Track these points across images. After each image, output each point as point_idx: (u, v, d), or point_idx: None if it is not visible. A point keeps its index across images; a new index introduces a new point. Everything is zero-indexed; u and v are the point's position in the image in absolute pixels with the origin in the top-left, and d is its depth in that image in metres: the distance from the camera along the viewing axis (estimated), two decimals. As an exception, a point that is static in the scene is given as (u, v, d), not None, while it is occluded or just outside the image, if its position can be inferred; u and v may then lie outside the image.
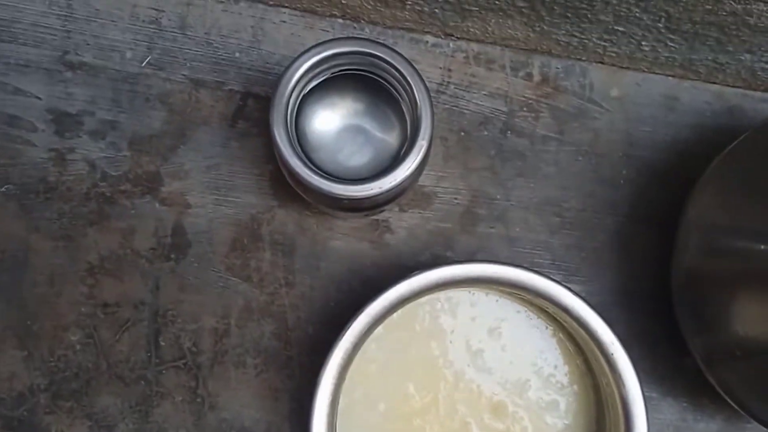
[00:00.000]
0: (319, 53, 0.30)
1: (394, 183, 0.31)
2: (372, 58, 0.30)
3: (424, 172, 0.40)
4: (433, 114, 0.31)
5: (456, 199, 0.41)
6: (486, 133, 0.41)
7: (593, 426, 0.36)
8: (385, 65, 0.31)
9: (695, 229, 0.35)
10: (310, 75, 0.32)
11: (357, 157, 0.36)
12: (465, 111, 0.41)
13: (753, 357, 0.34)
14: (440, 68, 0.41)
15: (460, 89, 0.41)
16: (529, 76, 0.41)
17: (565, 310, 0.34)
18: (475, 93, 0.41)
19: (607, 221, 0.41)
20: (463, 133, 0.41)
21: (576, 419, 0.36)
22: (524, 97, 0.41)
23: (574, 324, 0.34)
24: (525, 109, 0.41)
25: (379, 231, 0.40)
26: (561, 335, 0.36)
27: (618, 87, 0.42)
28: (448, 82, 0.41)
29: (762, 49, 0.36)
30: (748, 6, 0.32)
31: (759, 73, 0.40)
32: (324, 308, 0.40)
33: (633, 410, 0.34)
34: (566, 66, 0.41)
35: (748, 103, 0.42)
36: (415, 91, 0.31)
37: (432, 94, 0.41)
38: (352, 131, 0.37)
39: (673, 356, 0.41)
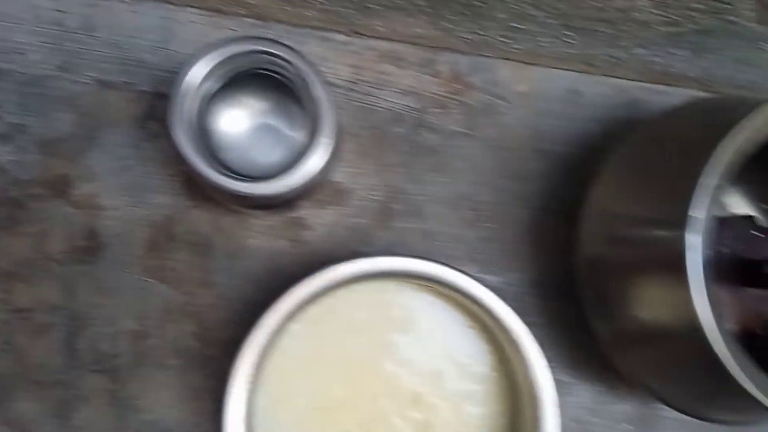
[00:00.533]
0: (213, 53, 0.31)
1: (297, 180, 0.32)
2: (270, 57, 0.31)
3: (340, 168, 0.41)
4: (334, 111, 0.32)
5: (372, 195, 0.41)
6: (399, 129, 0.42)
7: (511, 412, 0.38)
8: (284, 63, 0.31)
9: (595, 219, 0.37)
10: (212, 75, 0.32)
11: (269, 156, 0.37)
12: (377, 108, 0.42)
13: (653, 340, 0.35)
14: (350, 66, 0.42)
15: (372, 87, 0.42)
16: (437, 73, 0.42)
17: (473, 299, 0.35)
18: (386, 90, 0.42)
19: (520, 214, 0.43)
20: (376, 130, 0.42)
21: (494, 406, 0.37)
22: (434, 93, 0.42)
23: (483, 313, 0.35)
24: (435, 105, 0.42)
25: (296, 229, 0.41)
26: (475, 325, 0.37)
27: (524, 82, 0.43)
28: (359, 80, 0.42)
29: (652, 43, 0.38)
30: (633, 2, 0.33)
31: (653, 66, 0.42)
32: (243, 307, 0.40)
33: (543, 395, 0.35)
34: (473, 63, 0.43)
35: (648, 96, 0.44)
36: (312, 88, 0.31)
37: (343, 92, 0.42)
38: (262, 130, 0.38)
39: (587, 342, 0.42)
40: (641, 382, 0.37)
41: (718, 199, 0.29)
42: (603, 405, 0.42)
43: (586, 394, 0.42)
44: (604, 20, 0.36)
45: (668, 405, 0.38)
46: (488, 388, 0.37)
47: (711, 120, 0.31)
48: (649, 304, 0.33)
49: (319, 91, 0.31)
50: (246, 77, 0.35)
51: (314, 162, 0.32)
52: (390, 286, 0.37)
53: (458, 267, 0.35)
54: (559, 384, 0.42)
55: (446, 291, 0.36)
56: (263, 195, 0.32)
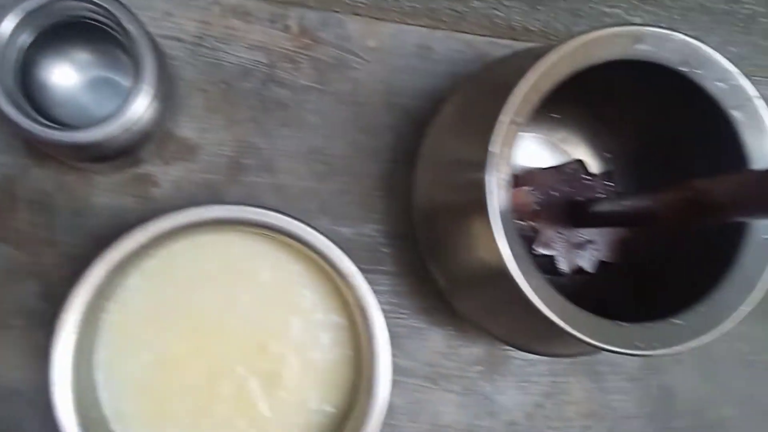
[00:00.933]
0: (23, 4, 0.30)
1: (118, 128, 0.31)
2: (83, 3, 0.31)
3: (187, 124, 0.41)
4: (154, 57, 0.32)
5: (221, 150, 0.42)
6: (248, 84, 0.42)
7: (355, 356, 0.38)
8: (98, 9, 0.31)
9: (425, 165, 0.38)
10: (26, 27, 0.31)
11: (107, 108, 0.36)
12: (225, 63, 0.42)
13: (478, 283, 0.37)
14: (197, 22, 0.41)
15: (219, 42, 0.42)
16: (287, 28, 0.43)
17: (308, 245, 0.36)
18: (234, 45, 0.42)
19: (372, 167, 0.44)
20: (224, 85, 0.42)
21: (340, 352, 0.38)
22: (284, 48, 0.43)
23: (320, 260, 0.36)
24: (285, 60, 0.43)
25: (143, 185, 0.40)
26: (316, 273, 0.38)
27: (374, 38, 0.44)
28: (206, 35, 0.41)
29: (486, -5, 0.39)
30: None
31: (496, 20, 0.43)
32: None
33: (377, 334, 0.36)
34: (323, 17, 0.43)
35: (495, 50, 0.45)
36: (129, 34, 0.31)
37: (190, 47, 0.41)
38: (98, 83, 0.37)
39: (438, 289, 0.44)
40: (478, 324, 0.39)
41: (514, 135, 0.31)
42: (455, 349, 0.44)
43: (439, 339, 0.44)
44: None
45: (506, 344, 0.40)
46: (333, 335, 0.38)
47: (522, 65, 0.32)
48: (470, 247, 0.35)
49: (136, 37, 0.31)
50: (74, 30, 0.34)
51: (136, 109, 0.32)
52: (232, 239, 0.37)
53: (304, 219, 0.36)
54: (412, 330, 0.44)
55: (285, 239, 0.36)
56: (88, 143, 0.32)
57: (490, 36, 0.46)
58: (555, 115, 0.43)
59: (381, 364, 0.36)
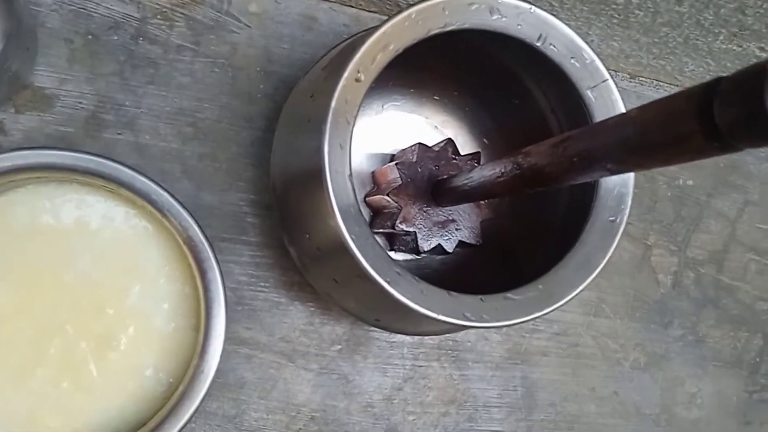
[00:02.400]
0: None
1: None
2: None
3: (44, 73, 0.39)
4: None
5: (80, 103, 0.40)
6: (116, 38, 0.40)
7: (199, 326, 0.37)
8: None
9: (280, 138, 0.37)
10: None
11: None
12: (94, 14, 0.40)
13: (329, 253, 0.35)
14: (63, -33, 0.40)
15: (87, -9, 0.40)
16: (161, -16, 0.41)
17: (153, 204, 0.34)
18: (104, -4, 0.40)
19: (242, 133, 0.42)
20: (90, 37, 0.40)
21: (182, 320, 0.36)
22: (158, 4, 0.41)
23: (167, 223, 0.35)
24: (159, 17, 0.41)
25: (-9, 132, 0.38)
26: (163, 237, 0.36)
27: (257, 3, 0.43)
28: (73, -17, 0.40)
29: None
30: None
31: (381, -5, 0.42)
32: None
33: (214, 305, 0.35)
34: (200, -24, 0.42)
35: (380, 27, 0.44)
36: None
37: (56, -6, 0.40)
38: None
39: (304, 264, 0.42)
40: (328, 296, 0.38)
41: (359, 94, 0.30)
42: (316, 326, 0.42)
43: (299, 315, 0.42)
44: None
45: (363, 321, 0.39)
46: (176, 303, 0.36)
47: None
48: (314, 216, 0.33)
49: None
50: None
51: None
52: (75, 193, 0.36)
53: (163, 182, 0.34)
54: (272, 304, 0.42)
55: (131, 197, 0.34)
56: None
57: (377, 12, 0.45)
58: (437, 98, 0.43)
59: (214, 336, 0.34)
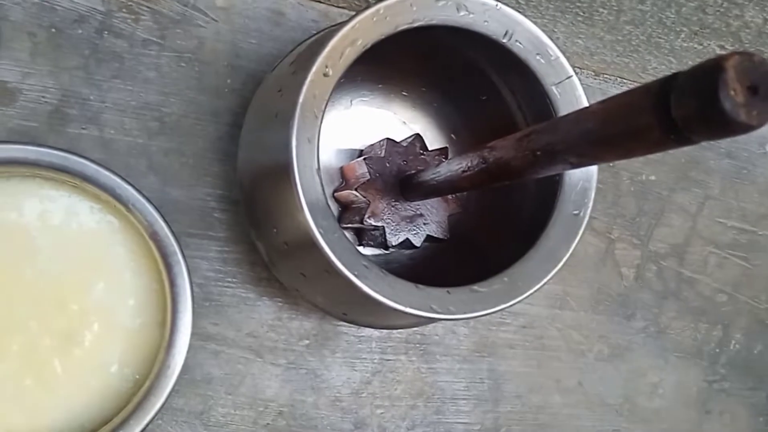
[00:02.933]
0: None
1: None
2: None
3: (8, 66, 0.38)
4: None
5: (44, 97, 0.39)
6: (80, 31, 0.40)
7: (165, 322, 0.36)
8: None
9: (247, 132, 0.37)
10: None
11: None
12: (57, 7, 0.40)
13: (296, 247, 0.35)
14: (25, -41, 0.39)
15: (50, -17, 0.39)
16: (126, -23, 0.41)
17: (119, 199, 0.34)
18: (67, -11, 0.40)
19: (209, 129, 0.42)
20: (54, 30, 0.39)
21: (148, 316, 0.36)
22: (123, -2, 0.41)
23: (132, 218, 0.34)
24: (124, 10, 0.41)
25: (-50, 126, 0.38)
26: (128, 232, 0.36)
27: (223, -3, 0.43)
28: (35, -25, 0.39)
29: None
30: None
31: (349, -9, 0.42)
32: None
33: (180, 300, 0.35)
34: (166, -30, 0.41)
35: (348, 23, 0.45)
36: None
37: (18, -13, 0.39)
38: None
39: (272, 259, 0.42)
40: (301, 294, 0.38)
41: (326, 88, 0.30)
42: (283, 321, 0.42)
43: (267, 310, 0.42)
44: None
45: (331, 315, 0.39)
46: (141, 299, 0.36)
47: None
48: (284, 214, 0.33)
49: None
50: None
51: None
52: (38, 188, 0.35)
53: (128, 177, 0.34)
54: (240, 300, 0.42)
55: (95, 191, 0.34)
56: None
57: (345, 8, 0.45)
58: (405, 93, 0.43)
59: (180, 331, 0.34)
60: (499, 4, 0.33)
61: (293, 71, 0.33)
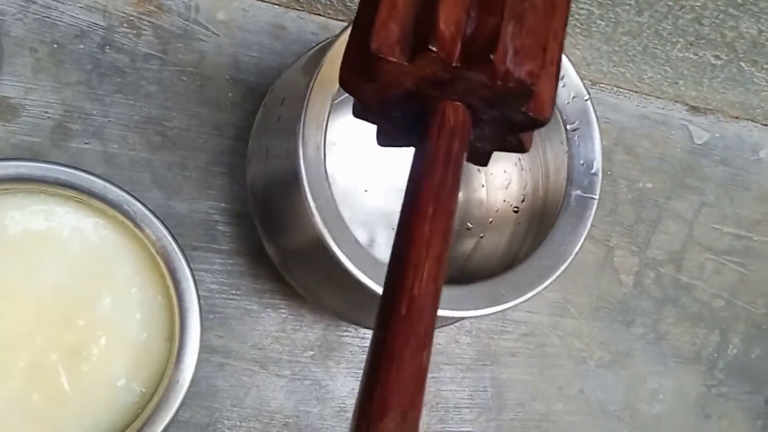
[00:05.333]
0: None
1: None
2: None
3: (10, 82, 0.39)
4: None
5: (47, 113, 0.39)
6: (82, 46, 0.40)
7: (172, 336, 0.37)
8: None
9: (259, 139, 0.37)
10: None
11: None
12: (59, 23, 0.40)
13: (309, 252, 0.36)
14: (27, -24, 0.39)
15: (53, 0, 0.40)
16: (128, -8, 0.41)
17: (125, 214, 0.34)
18: (70, 5, 0.40)
19: (212, 142, 0.42)
20: (56, 46, 0.40)
21: (155, 331, 0.36)
22: (124, 13, 0.41)
23: (138, 232, 0.35)
24: (125, 25, 0.41)
25: (-46, 143, 0.38)
26: (134, 246, 0.36)
27: (225, 11, 0.43)
28: (38, -9, 0.39)
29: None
30: None
31: (349, 4, 0.43)
32: None
33: (189, 315, 0.35)
34: (168, -15, 0.42)
35: (348, 35, 0.45)
36: None
37: (20, 2, 0.39)
38: None
39: (275, 270, 0.43)
40: (315, 300, 0.38)
41: (329, 100, 0.30)
42: (288, 333, 0.43)
43: (272, 322, 0.42)
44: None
45: (341, 318, 0.40)
46: (148, 313, 0.36)
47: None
48: (293, 217, 0.34)
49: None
50: None
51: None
52: (43, 203, 0.35)
53: (132, 191, 0.34)
54: (244, 312, 0.42)
55: (101, 206, 0.34)
56: None
57: (345, 21, 0.45)
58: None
59: (189, 346, 0.34)
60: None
61: (297, 80, 0.34)
